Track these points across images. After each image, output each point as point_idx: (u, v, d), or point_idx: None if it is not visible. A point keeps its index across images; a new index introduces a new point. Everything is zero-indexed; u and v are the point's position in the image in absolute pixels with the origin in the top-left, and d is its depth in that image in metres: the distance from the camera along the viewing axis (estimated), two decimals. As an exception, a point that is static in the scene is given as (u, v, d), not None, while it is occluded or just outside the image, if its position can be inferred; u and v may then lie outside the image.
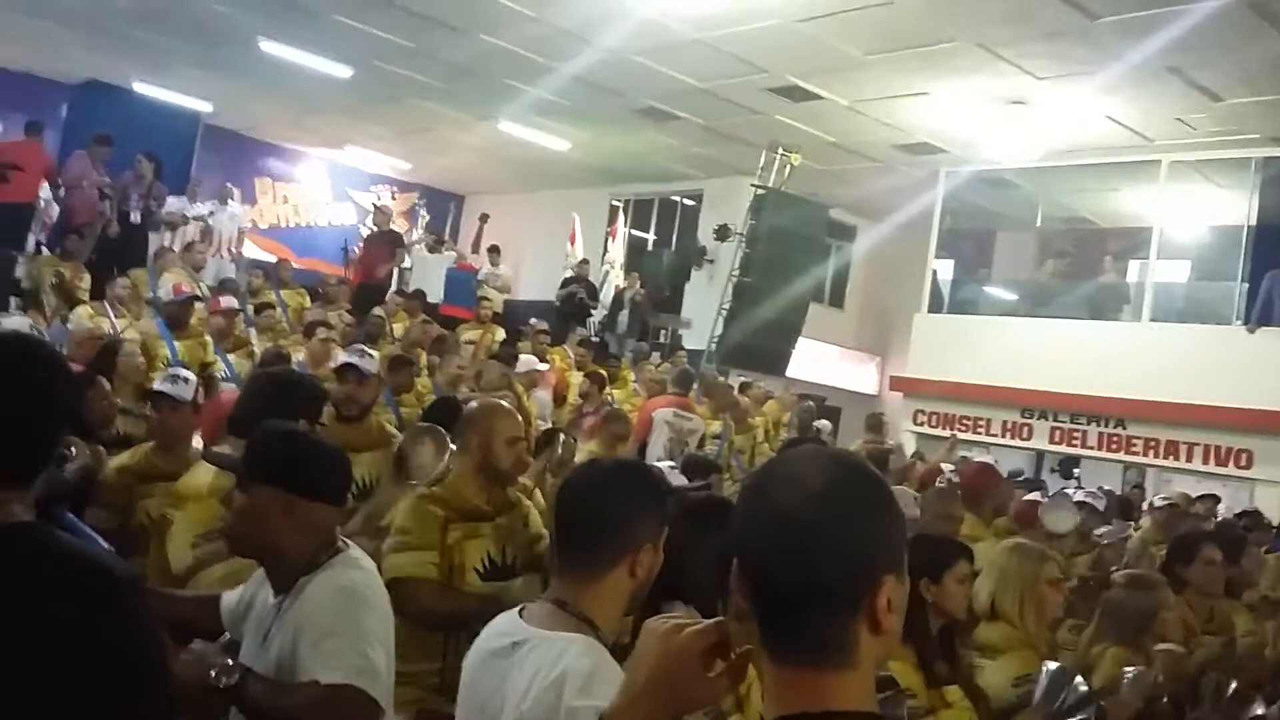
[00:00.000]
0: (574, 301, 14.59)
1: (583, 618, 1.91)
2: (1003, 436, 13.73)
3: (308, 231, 19.59)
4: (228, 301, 8.68)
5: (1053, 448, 13.57)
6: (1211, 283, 13.12)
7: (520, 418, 3.86)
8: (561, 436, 5.13)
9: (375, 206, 16.66)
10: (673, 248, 17.29)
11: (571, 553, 2.01)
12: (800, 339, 14.68)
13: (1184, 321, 12.70)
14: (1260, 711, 3.66)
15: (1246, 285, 12.25)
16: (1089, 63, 10.13)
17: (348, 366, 4.72)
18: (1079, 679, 3.15)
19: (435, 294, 13.94)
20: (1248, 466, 11.75)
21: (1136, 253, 13.59)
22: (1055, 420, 13.31)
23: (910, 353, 14.89)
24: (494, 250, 15.65)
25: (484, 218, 17.72)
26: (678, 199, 17.92)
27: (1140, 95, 10.92)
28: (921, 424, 14.40)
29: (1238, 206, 12.68)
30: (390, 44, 12.38)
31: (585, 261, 15.72)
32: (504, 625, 1.99)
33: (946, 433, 12.87)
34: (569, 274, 15.40)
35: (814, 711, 1.09)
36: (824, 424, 10.99)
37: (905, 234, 15.88)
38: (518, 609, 2.02)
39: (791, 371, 14.24)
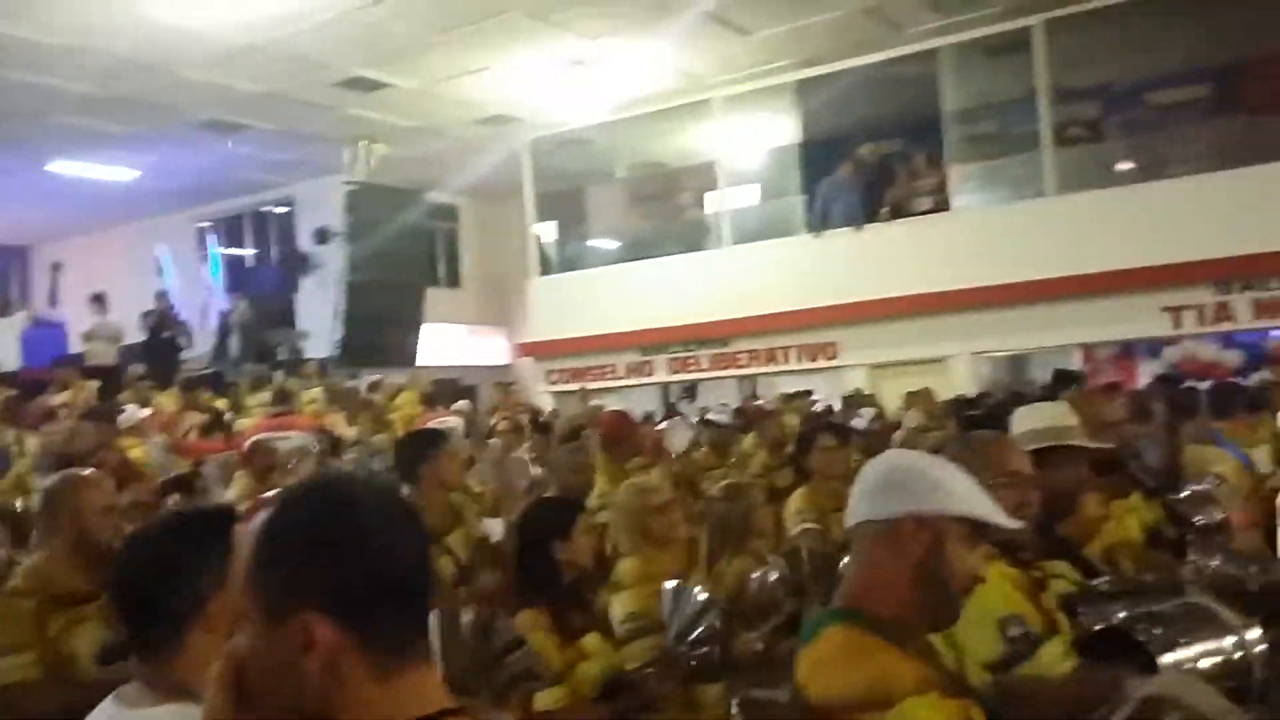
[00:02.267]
0: (159, 339, 13.50)
1: (173, 688, 1.81)
2: (629, 378, 14.55)
3: None
4: None
5: (673, 378, 14.57)
6: (778, 200, 14.48)
7: (111, 482, 3.69)
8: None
9: None
10: (273, 261, 16.64)
11: (135, 627, 1.90)
12: (424, 325, 14.73)
13: (761, 240, 13.97)
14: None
15: (805, 198, 13.66)
16: (633, 18, 10.82)
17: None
18: (698, 589, 3.38)
19: (11, 360, 12.61)
20: (835, 356, 13.23)
21: (711, 186, 14.74)
22: (670, 353, 14.28)
23: (531, 317, 15.34)
24: (98, 300, 14.26)
25: (57, 266, 16.20)
26: (269, 210, 17.22)
27: (685, 41, 11.80)
28: (555, 382, 14.94)
29: (786, 128, 14.05)
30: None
31: (162, 294, 14.65)
32: (99, 711, 1.95)
33: (578, 386, 13.49)
34: (148, 309, 14.21)
35: (429, 714, 1.12)
36: (463, 404, 11.14)
37: (505, 205, 16.29)
38: (114, 692, 1.97)
39: (422, 359, 14.27)
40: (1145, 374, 12.99)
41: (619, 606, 3.51)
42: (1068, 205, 11.96)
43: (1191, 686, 1.63)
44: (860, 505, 1.72)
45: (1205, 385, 8.40)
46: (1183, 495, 4.18)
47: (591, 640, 3.23)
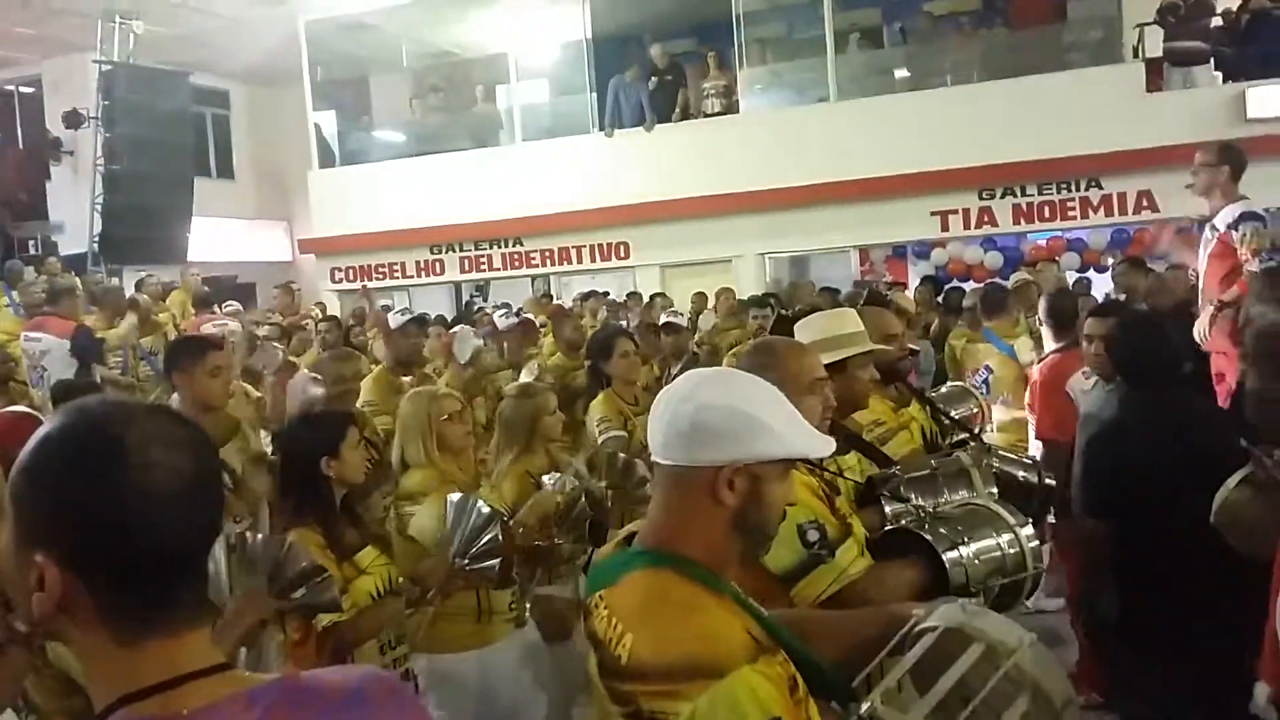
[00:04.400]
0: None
1: None
2: (419, 276, 14.19)
3: None
4: None
5: (465, 277, 14.32)
6: (568, 97, 14.27)
7: None
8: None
9: None
10: (19, 144, 15.14)
11: None
12: (195, 219, 13.82)
13: (552, 137, 13.77)
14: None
15: (595, 95, 13.50)
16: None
17: None
18: (479, 502, 3.37)
19: None
20: (627, 256, 13.31)
21: (501, 79, 14.34)
22: (462, 250, 13.99)
23: (313, 212, 14.65)
24: None
25: None
26: (12, 89, 15.59)
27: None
28: (340, 281, 14.41)
29: (575, 22, 13.77)
30: None
31: None
32: None
33: (365, 285, 13.07)
34: None
35: (174, 678, 1.06)
36: (232, 304, 10.53)
37: (282, 92, 15.34)
38: None
39: (194, 254, 13.40)
40: (915, 275, 13.75)
41: (427, 512, 3.47)
42: (847, 110, 12.33)
43: (985, 616, 1.61)
44: (671, 445, 1.55)
45: (970, 286, 8.95)
46: (943, 391, 4.50)
47: (367, 555, 3.17)
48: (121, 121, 12.51)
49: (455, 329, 7.17)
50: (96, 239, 12.59)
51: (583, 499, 3.77)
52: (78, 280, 10.00)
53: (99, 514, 1.03)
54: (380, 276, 13.85)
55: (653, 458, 1.62)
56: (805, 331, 2.92)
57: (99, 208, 12.60)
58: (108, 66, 12.56)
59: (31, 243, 14.11)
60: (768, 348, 2.44)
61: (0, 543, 1.10)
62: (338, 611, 2.85)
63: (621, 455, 4.26)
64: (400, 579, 3.24)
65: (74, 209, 13.55)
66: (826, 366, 2.47)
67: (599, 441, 4.76)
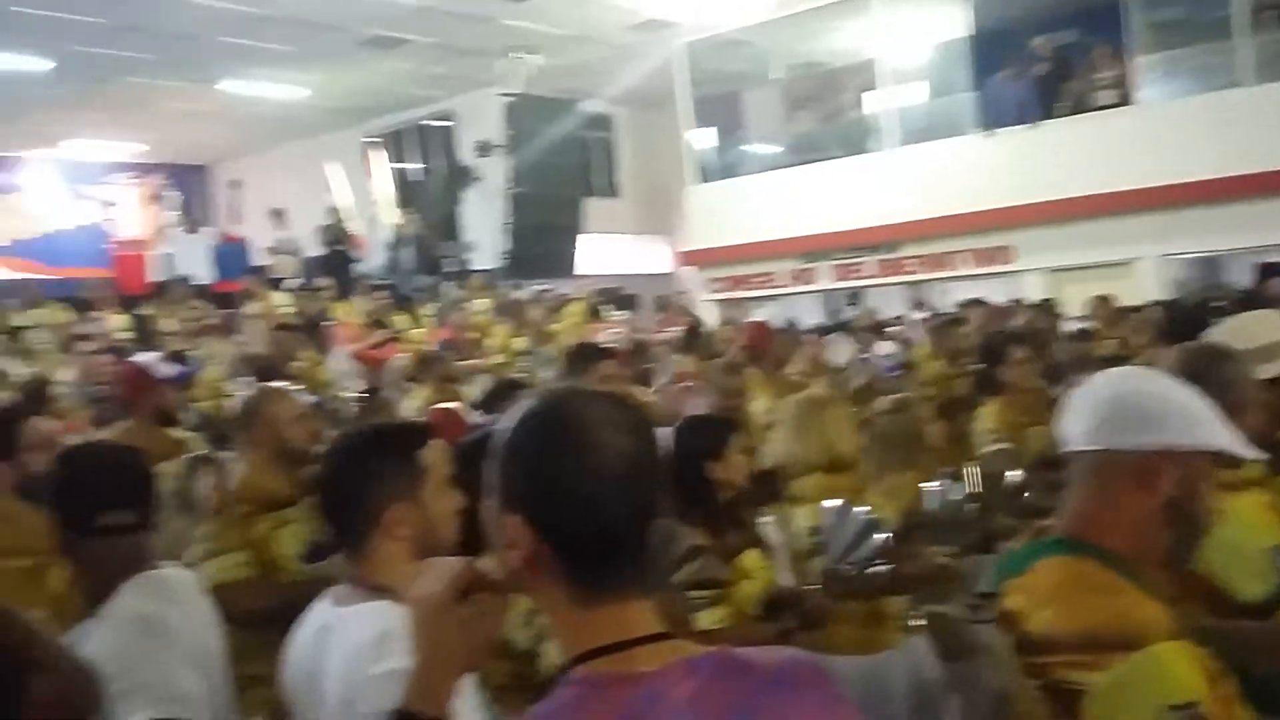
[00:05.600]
0: (334, 252, 14.10)
1: (376, 587, 1.93)
2: (792, 285, 14.33)
3: (53, 239, 18.18)
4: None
5: (838, 285, 14.26)
6: (946, 98, 13.83)
7: (302, 393, 3.85)
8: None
9: None
10: (437, 174, 16.95)
11: (332, 529, 2.06)
12: (584, 235, 14.80)
13: (929, 140, 13.40)
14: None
15: (975, 94, 12.99)
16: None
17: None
18: (858, 509, 3.26)
19: (204, 276, 13.31)
20: (1011, 261, 12.68)
21: (872, 85, 14.17)
22: (835, 259, 13.96)
23: (691, 225, 15.21)
24: (277, 214, 14.85)
25: (235, 184, 16.92)
26: (430, 123, 17.49)
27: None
28: (717, 291, 14.86)
29: (955, 20, 13.33)
30: (86, 25, 11.52)
31: (334, 208, 15.15)
32: (315, 612, 2.03)
33: (738, 295, 13.40)
34: (324, 224, 14.80)
35: (623, 641, 1.15)
36: (623, 314, 11.18)
37: (661, 112, 16.07)
38: (327, 591, 2.07)
39: (583, 269, 14.36)
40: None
41: (800, 520, 3.47)
42: (1266, 95, 11.00)
43: None
44: (1098, 430, 1.52)
45: None
46: None
47: (751, 558, 3.19)
48: (523, 148, 13.66)
49: (827, 337, 7.20)
50: (503, 256, 13.81)
51: (966, 511, 3.62)
52: (466, 294, 11.19)
53: (555, 486, 1.17)
54: (754, 286, 14.13)
55: (1070, 448, 1.56)
56: (1236, 337, 2.60)
57: (505, 228, 13.81)
58: (511, 98, 13.74)
59: (448, 261, 15.72)
60: (1199, 354, 2.21)
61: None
62: (722, 587, 2.90)
63: (1006, 470, 4.06)
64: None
65: (482, 230, 14.96)
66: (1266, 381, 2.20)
67: (985, 453, 4.55)
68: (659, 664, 1.14)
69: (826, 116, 15.29)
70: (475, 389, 7.03)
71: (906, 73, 14.12)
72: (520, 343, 9.56)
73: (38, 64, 12.67)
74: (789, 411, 3.91)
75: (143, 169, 19.15)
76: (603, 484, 1.16)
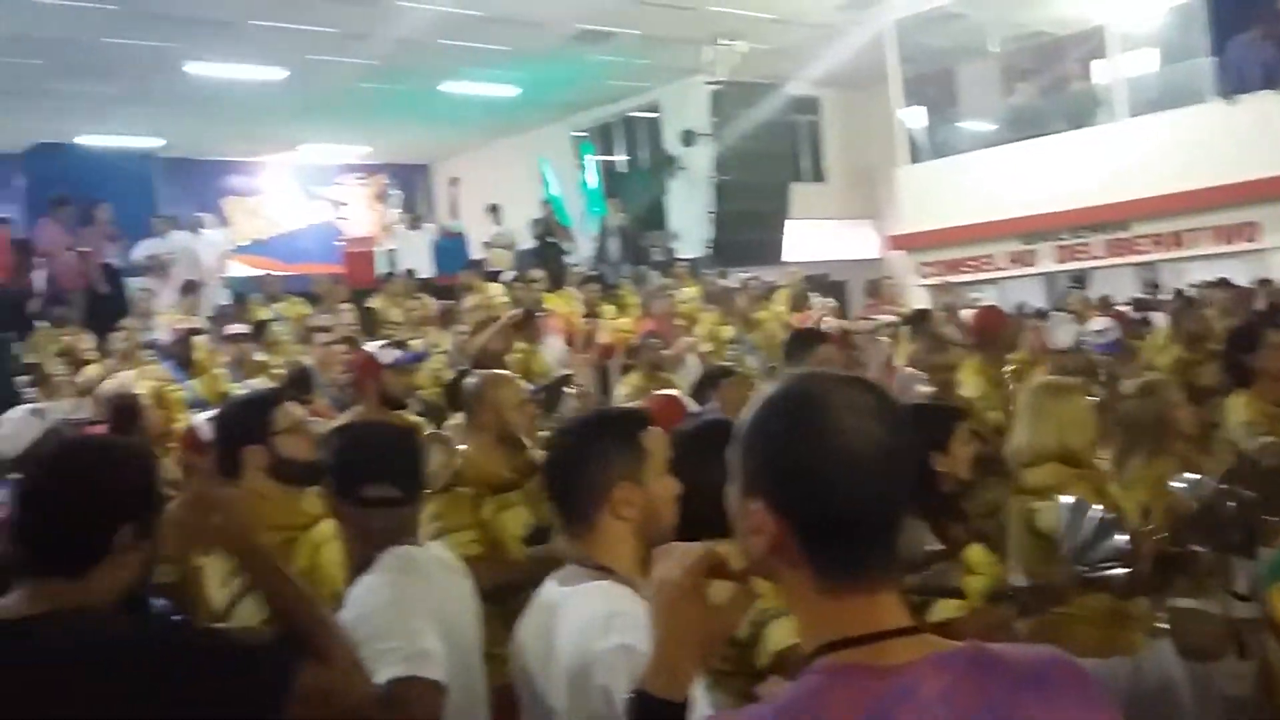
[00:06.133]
0: (546, 244, 14.51)
1: (598, 567, 1.98)
2: (1010, 268, 13.72)
3: (289, 237, 19.56)
4: (235, 328, 8.66)
5: (1061, 267, 13.55)
6: (1181, 64, 12.90)
7: (521, 380, 3.95)
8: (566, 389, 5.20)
9: None
10: (643, 165, 17.14)
11: (559, 510, 2.12)
12: (790, 221, 14.64)
13: (1163, 109, 12.53)
14: None
15: (1215, 59, 12.04)
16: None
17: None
18: (1095, 508, 3.11)
19: (426, 270, 13.93)
20: (1256, 239, 11.70)
21: (1099, 54, 13.37)
22: (1059, 239, 13.27)
23: (901, 208, 14.80)
24: (493, 209, 15.42)
25: (454, 181, 17.64)
26: (636, 115, 17.71)
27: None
28: (929, 275, 14.40)
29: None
30: (314, 35, 12.26)
31: (546, 201, 15.56)
32: (544, 591, 2.09)
33: (955, 279, 12.93)
34: (536, 217, 15.24)
35: (872, 633, 1.12)
36: (828, 301, 10.97)
37: (868, 93, 15.71)
38: (554, 572, 2.11)
39: (788, 255, 14.21)
40: None
41: (1048, 513, 3.28)
42: None
43: None
44: None
45: None
46: None
47: (976, 553, 3.06)
48: (728, 136, 13.62)
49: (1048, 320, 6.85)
50: (708, 244, 13.83)
51: (1228, 509, 3.34)
52: (672, 283, 11.25)
53: (800, 471, 1.14)
54: (969, 270, 13.60)
55: None
56: None
57: (710, 216, 13.83)
58: (717, 86, 13.73)
59: (654, 250, 15.88)
60: None
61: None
62: (960, 599, 2.79)
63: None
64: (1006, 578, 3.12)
65: (687, 219, 15.02)
66: None
67: (1248, 447, 4.18)
68: (909, 658, 1.11)
69: (1048, 89, 14.56)
70: (684, 377, 7.08)
71: (1137, 38, 13.23)
72: (728, 331, 9.52)
73: (274, 73, 13.58)
74: (1023, 398, 3.73)
75: (368, 169, 20.32)
76: (847, 469, 1.13)
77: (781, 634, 2.18)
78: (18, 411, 4.19)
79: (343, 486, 2.39)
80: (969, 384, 5.49)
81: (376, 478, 2.37)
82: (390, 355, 4.51)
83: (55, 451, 2.02)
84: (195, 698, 1.65)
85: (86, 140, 15.47)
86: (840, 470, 1.12)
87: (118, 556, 1.75)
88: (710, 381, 5.30)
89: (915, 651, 1.12)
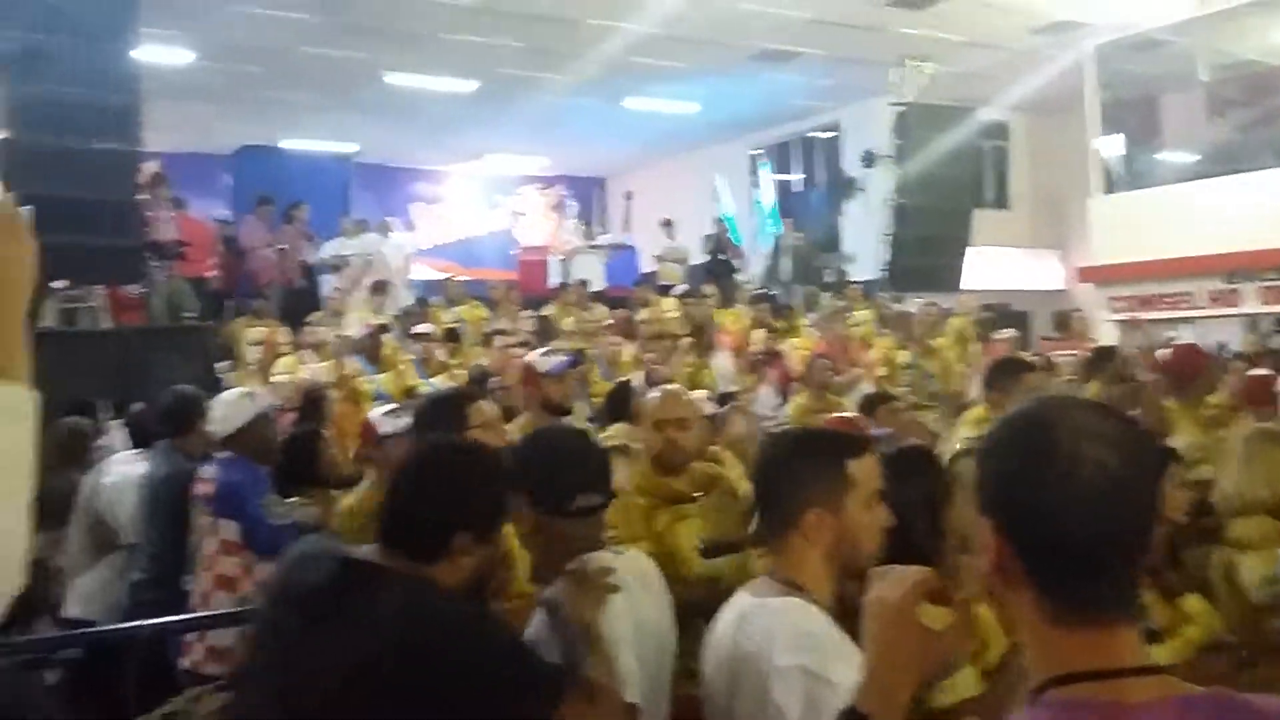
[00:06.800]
0: (717, 261, 14.53)
1: (788, 583, 1.97)
2: (1210, 307, 12.95)
3: (468, 243, 20.16)
4: (422, 328, 9.02)
5: (1266, 309, 12.70)
6: None
7: (687, 397, 3.92)
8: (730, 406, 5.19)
9: None
10: (819, 185, 16.98)
11: (761, 523, 2.11)
12: (971, 248, 14.20)
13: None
14: None
15: None
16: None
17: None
18: None
19: (598, 280, 14.15)
20: None
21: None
22: (1264, 280, 12.45)
23: (1092, 239, 14.18)
24: (667, 224, 15.56)
25: (629, 195, 17.88)
26: (815, 135, 17.57)
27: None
28: (1119, 310, 13.73)
29: None
30: (505, 49, 12.65)
31: (720, 219, 15.55)
32: (734, 603, 2.08)
33: (1146, 316, 12.29)
34: (708, 233, 15.27)
35: (1108, 669, 1.07)
36: (1009, 332, 10.56)
37: (1061, 119, 15.15)
38: (748, 586, 2.09)
39: (967, 283, 13.78)
40: None
41: (1254, 566, 3.08)
42: None
43: None
44: None
45: None
46: None
47: (1193, 602, 2.90)
48: (911, 158, 13.33)
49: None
50: (884, 268, 13.56)
51: None
52: (845, 305, 11.06)
53: (1025, 496, 1.12)
54: (1164, 307, 12.90)
55: None
56: None
57: (887, 239, 13.56)
58: (901, 108, 13.47)
59: (827, 271, 15.69)
60: None
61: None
62: (1158, 642, 2.64)
63: None
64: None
65: (861, 241, 14.78)
66: None
67: None
68: (1148, 698, 1.05)
69: (1257, 121, 13.69)
70: (852, 399, 6.95)
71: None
72: (904, 356, 9.31)
73: (464, 85, 14.09)
74: (1236, 446, 3.50)
75: (546, 180, 20.80)
76: (1075, 498, 1.08)
77: (969, 683, 2.13)
78: (231, 394, 4.42)
79: (551, 497, 2.31)
80: (1181, 431, 5.14)
81: (586, 487, 2.34)
82: (547, 363, 4.54)
83: (424, 451, 2.25)
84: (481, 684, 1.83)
85: (289, 144, 16.37)
86: (1064, 498, 1.09)
87: (456, 558, 1.93)
88: (869, 407, 5.20)
89: (1156, 692, 1.07)
